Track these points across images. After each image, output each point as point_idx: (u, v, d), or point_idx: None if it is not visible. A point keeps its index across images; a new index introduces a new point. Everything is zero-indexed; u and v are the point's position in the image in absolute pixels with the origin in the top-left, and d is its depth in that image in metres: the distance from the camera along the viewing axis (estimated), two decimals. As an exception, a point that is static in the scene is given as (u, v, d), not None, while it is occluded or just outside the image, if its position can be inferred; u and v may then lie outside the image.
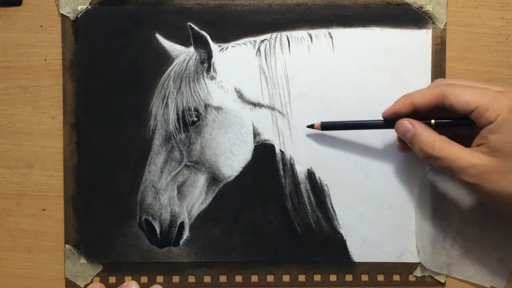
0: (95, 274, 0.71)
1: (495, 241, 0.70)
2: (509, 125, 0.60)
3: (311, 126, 0.70)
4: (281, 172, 0.71)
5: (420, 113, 0.65)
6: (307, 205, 0.71)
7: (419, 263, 0.71)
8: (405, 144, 0.67)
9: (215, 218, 0.71)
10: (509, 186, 0.61)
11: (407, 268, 0.71)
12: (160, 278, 0.71)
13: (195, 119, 0.70)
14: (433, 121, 0.65)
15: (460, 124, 0.65)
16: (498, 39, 0.71)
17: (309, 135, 0.70)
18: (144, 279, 0.71)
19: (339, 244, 0.71)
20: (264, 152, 0.71)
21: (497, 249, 0.70)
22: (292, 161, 0.70)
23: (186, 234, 0.71)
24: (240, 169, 0.71)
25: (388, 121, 0.67)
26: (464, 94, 0.62)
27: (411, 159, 0.70)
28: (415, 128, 0.64)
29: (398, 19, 0.70)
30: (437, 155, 0.63)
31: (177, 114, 0.70)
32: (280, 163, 0.70)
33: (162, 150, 0.70)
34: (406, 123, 0.65)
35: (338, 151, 0.70)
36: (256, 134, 0.70)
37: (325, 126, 0.69)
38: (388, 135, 0.70)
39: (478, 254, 0.70)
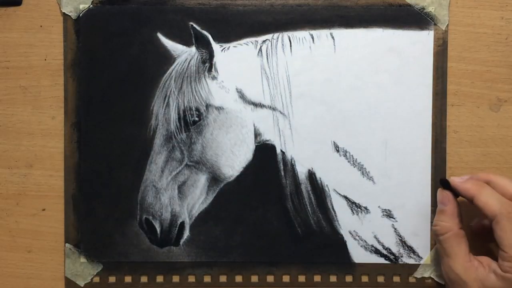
0: (95, 274, 0.71)
1: None
2: None
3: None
4: (282, 173, 0.71)
5: None
6: (308, 206, 0.71)
7: (419, 264, 0.71)
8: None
9: (216, 218, 0.71)
10: None
11: (407, 269, 0.71)
12: (160, 278, 0.71)
13: (196, 119, 0.70)
14: None
15: None
16: (498, 39, 0.71)
17: (310, 136, 0.70)
18: (144, 279, 0.71)
19: (340, 245, 0.71)
20: (265, 153, 0.71)
21: None
22: (293, 162, 0.70)
23: (186, 233, 0.71)
24: (241, 169, 0.71)
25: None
26: None
27: (410, 159, 0.70)
28: None
29: (400, 20, 0.70)
30: None
31: (178, 113, 0.70)
32: (281, 163, 0.71)
33: (163, 150, 0.70)
34: None
35: (339, 152, 0.70)
36: (257, 134, 0.70)
37: None
38: (389, 136, 0.70)
39: None
